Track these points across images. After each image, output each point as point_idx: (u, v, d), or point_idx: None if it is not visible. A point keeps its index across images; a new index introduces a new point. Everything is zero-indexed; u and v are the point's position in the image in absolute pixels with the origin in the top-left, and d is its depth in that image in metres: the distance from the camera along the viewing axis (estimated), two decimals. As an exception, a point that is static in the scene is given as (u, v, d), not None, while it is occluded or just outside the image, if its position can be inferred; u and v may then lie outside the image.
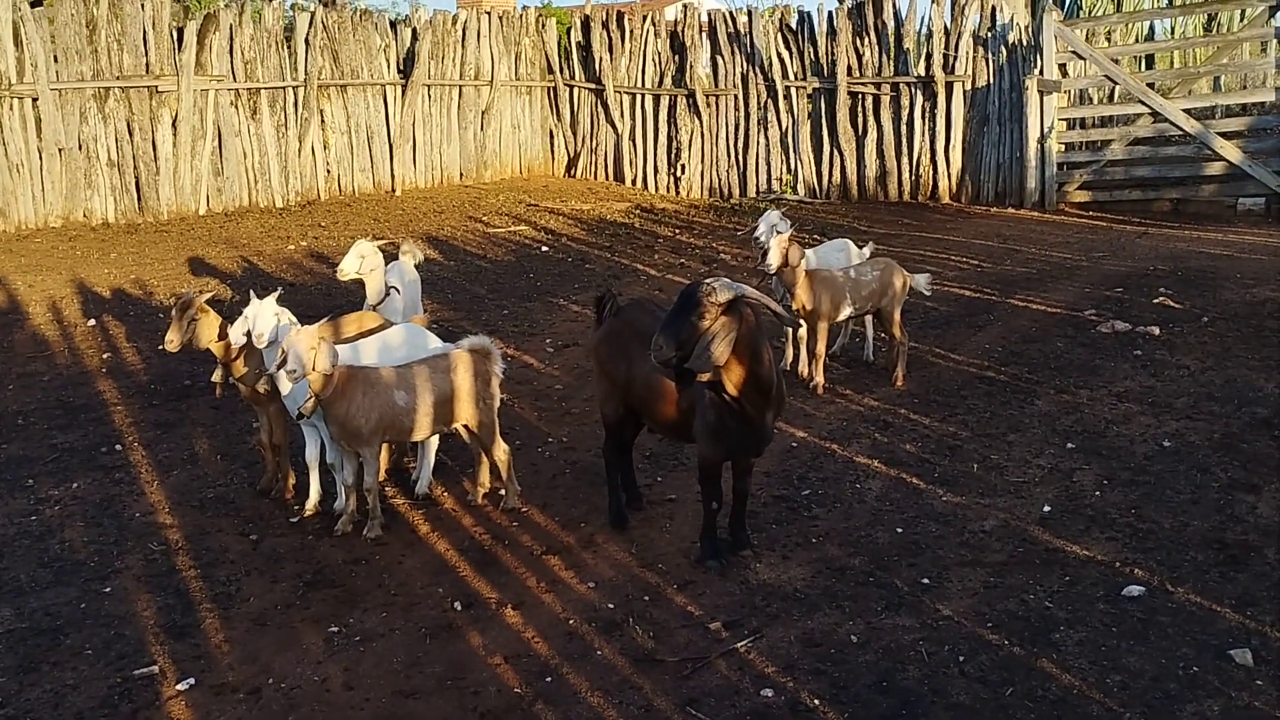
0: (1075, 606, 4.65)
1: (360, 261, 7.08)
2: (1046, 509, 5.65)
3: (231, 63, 15.09)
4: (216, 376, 5.99)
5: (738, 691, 4.14)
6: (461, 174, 18.07)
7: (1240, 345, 8.36)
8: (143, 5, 14.30)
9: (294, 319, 5.64)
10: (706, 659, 4.35)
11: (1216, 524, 5.41)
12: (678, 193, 18.30)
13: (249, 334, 5.53)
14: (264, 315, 5.53)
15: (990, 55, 15.90)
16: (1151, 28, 18.05)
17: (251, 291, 5.76)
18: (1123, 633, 4.43)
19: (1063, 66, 15.58)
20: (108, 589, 5.09)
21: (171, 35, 14.59)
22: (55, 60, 13.69)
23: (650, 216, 15.99)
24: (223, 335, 5.77)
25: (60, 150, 13.72)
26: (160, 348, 6.00)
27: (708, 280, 4.57)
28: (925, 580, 4.95)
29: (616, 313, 5.60)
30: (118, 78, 14.11)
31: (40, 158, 13.64)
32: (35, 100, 13.49)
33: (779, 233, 7.70)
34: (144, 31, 14.31)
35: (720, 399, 4.78)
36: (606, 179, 18.94)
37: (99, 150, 14.06)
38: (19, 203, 13.54)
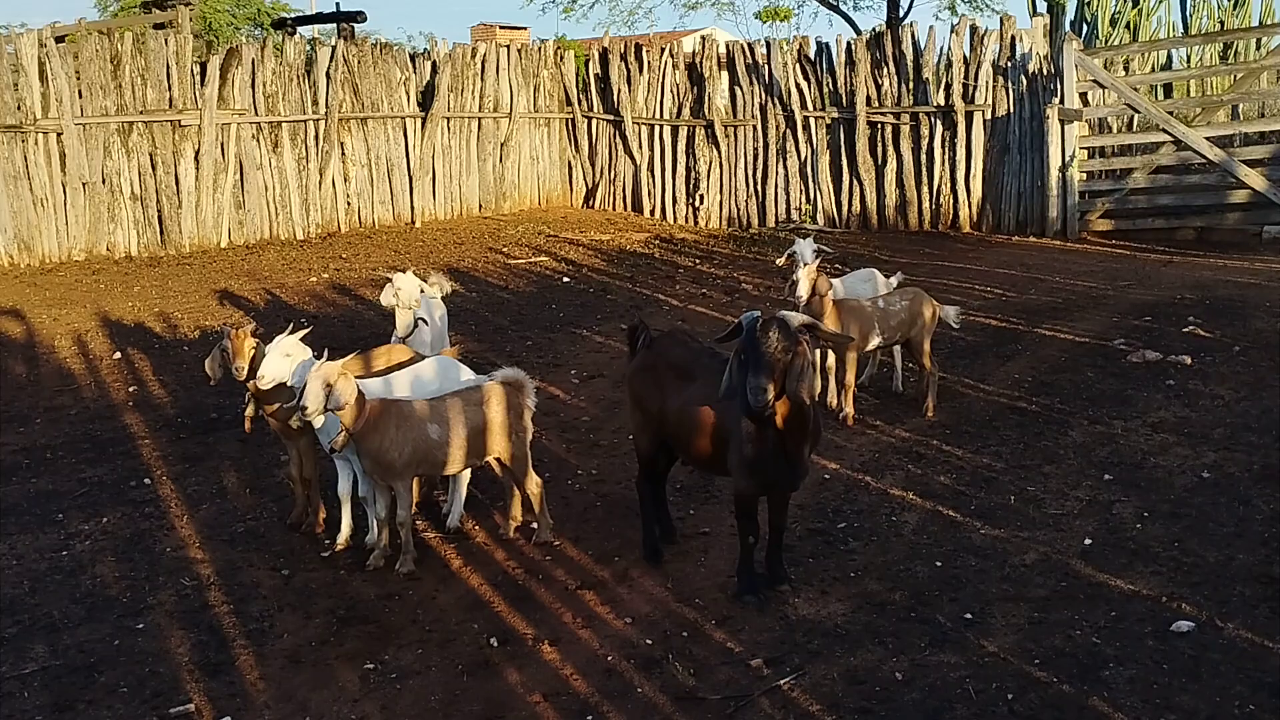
0: (1123, 643, 4.57)
1: (421, 292, 7.16)
2: (1087, 542, 5.57)
3: (253, 96, 15.18)
4: (250, 411, 5.96)
5: (783, 731, 4.07)
6: (481, 205, 18.12)
7: (1274, 375, 8.27)
8: (166, 40, 14.43)
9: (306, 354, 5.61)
10: (749, 697, 4.28)
11: (1262, 558, 5.32)
12: (696, 223, 18.30)
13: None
14: (272, 359, 5.52)
15: (1010, 84, 15.90)
16: (1169, 56, 18.05)
17: (292, 327, 5.73)
18: (1174, 670, 4.34)
19: (1083, 95, 15.57)
20: (141, 625, 5.05)
21: (194, 70, 14.69)
22: (80, 95, 13.78)
23: (670, 247, 15.98)
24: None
25: (84, 184, 13.79)
26: (198, 382, 5.96)
27: (779, 313, 4.58)
28: (968, 616, 4.87)
29: (650, 345, 5.56)
30: (141, 112, 14.20)
31: (64, 192, 13.71)
32: (60, 135, 13.58)
33: (806, 263, 7.68)
34: (167, 66, 14.41)
35: (759, 432, 4.73)
36: (625, 210, 18.96)
37: (122, 184, 14.13)
38: (43, 237, 13.61)
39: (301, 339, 5.66)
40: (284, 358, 5.52)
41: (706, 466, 5.34)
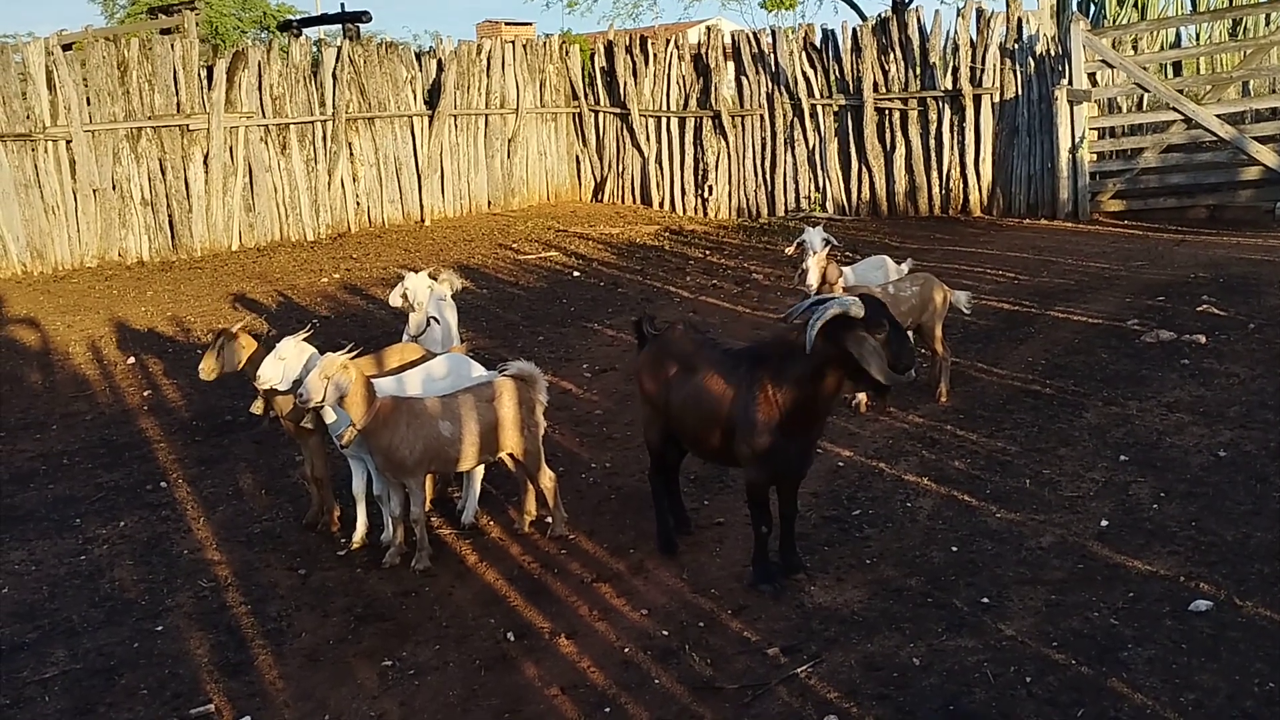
0: (1142, 623, 4.55)
1: (429, 292, 7.15)
2: (1104, 523, 5.55)
3: (260, 99, 15.22)
4: (256, 407, 5.97)
5: (801, 718, 4.06)
6: (490, 202, 18.14)
7: (1289, 351, 8.21)
8: (172, 45, 14.47)
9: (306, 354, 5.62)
10: (767, 686, 4.28)
11: (1280, 535, 5.29)
12: (706, 214, 18.28)
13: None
14: (268, 363, 5.54)
15: (1018, 67, 15.81)
16: (1178, 34, 17.90)
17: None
18: (1193, 650, 4.32)
19: (1091, 76, 15.47)
20: (160, 628, 5.08)
21: (201, 74, 14.73)
22: (88, 102, 13.83)
23: (679, 238, 15.96)
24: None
25: (94, 191, 13.85)
26: (202, 381, 6.00)
27: (848, 298, 4.55)
28: (985, 600, 4.86)
29: (656, 338, 5.55)
30: (149, 117, 14.26)
31: (75, 199, 13.77)
32: (69, 142, 13.63)
33: (815, 252, 7.66)
34: (174, 71, 14.46)
35: (775, 420, 4.73)
36: (634, 202, 18.95)
37: (132, 190, 14.19)
38: (55, 244, 13.67)
39: (304, 339, 5.66)
40: (278, 361, 5.53)
41: (713, 458, 5.34)
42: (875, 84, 16.78)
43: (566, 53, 19.08)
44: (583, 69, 19.19)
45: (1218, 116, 14.53)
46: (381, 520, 5.82)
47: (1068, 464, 6.40)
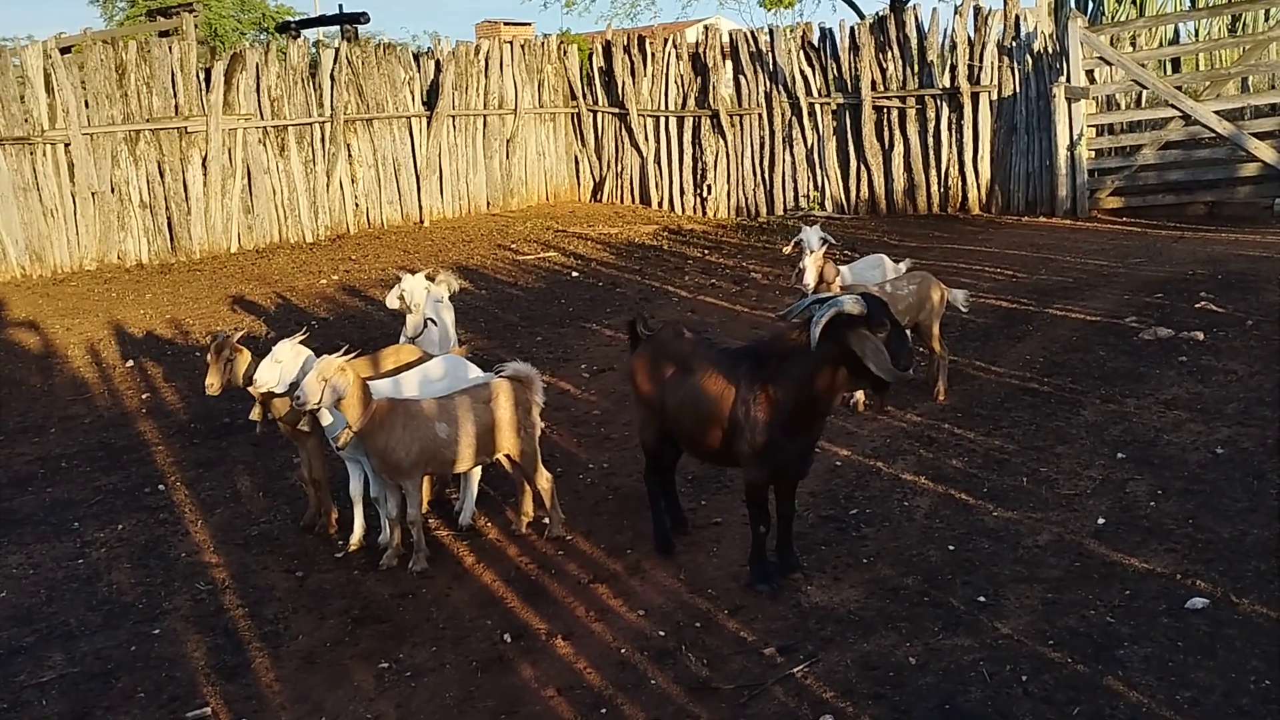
0: (1138, 621, 4.55)
1: (427, 294, 7.15)
2: (1101, 521, 5.55)
3: (259, 101, 15.22)
4: (255, 414, 5.97)
5: (797, 718, 4.06)
6: (489, 203, 18.15)
7: (1287, 348, 8.21)
8: (170, 48, 14.47)
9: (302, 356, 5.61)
10: (763, 685, 4.28)
11: (1276, 532, 5.28)
12: (704, 213, 18.28)
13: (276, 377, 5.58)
14: (263, 365, 5.54)
15: (1015, 64, 15.80)
16: (1176, 31, 17.89)
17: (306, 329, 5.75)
18: (1189, 647, 4.32)
19: (1089, 73, 15.47)
20: (157, 630, 5.08)
21: (199, 76, 14.73)
22: (86, 105, 13.83)
23: (678, 238, 15.97)
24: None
25: (93, 194, 13.85)
26: (203, 390, 5.99)
27: (848, 296, 4.55)
28: (981, 598, 4.86)
29: (650, 338, 5.54)
30: (148, 120, 14.26)
31: (74, 202, 13.76)
32: (67, 145, 13.63)
33: (812, 251, 7.66)
34: (172, 74, 14.45)
35: (776, 419, 4.73)
36: (633, 202, 18.96)
37: (131, 192, 14.19)
38: (54, 247, 13.67)
39: (301, 341, 5.66)
40: (275, 363, 5.53)
41: (709, 458, 5.32)
42: (873, 82, 16.78)
43: (565, 53, 19.08)
44: (581, 69, 19.18)
45: (1216, 113, 14.53)
46: (379, 522, 5.82)
47: (1065, 462, 6.40)
